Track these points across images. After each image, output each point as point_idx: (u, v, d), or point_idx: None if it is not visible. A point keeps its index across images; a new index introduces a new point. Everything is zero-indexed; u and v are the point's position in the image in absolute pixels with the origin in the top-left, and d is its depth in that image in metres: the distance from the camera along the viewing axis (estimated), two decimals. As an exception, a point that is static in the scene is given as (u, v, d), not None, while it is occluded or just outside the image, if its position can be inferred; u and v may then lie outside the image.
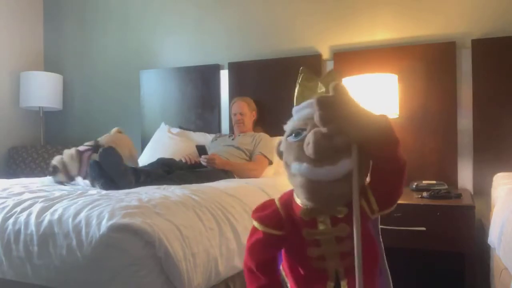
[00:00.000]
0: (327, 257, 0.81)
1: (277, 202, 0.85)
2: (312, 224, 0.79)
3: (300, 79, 0.88)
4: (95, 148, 2.08)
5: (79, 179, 2.07)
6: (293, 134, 0.77)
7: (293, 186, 0.79)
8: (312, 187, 0.73)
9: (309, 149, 0.70)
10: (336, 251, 0.80)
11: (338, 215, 0.77)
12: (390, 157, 0.70)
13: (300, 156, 0.73)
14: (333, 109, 0.65)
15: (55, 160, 2.06)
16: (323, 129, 0.66)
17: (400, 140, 0.71)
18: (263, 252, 0.87)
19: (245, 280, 0.90)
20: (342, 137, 0.68)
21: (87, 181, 2.08)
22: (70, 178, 2.07)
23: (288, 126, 0.81)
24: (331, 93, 0.65)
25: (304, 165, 0.72)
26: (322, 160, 0.69)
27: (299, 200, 0.80)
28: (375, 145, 0.68)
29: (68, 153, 2.08)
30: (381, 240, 0.88)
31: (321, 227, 0.78)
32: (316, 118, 0.66)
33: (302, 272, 0.86)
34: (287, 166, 0.78)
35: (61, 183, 2.05)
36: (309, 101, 0.79)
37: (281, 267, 0.92)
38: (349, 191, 0.71)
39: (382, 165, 0.71)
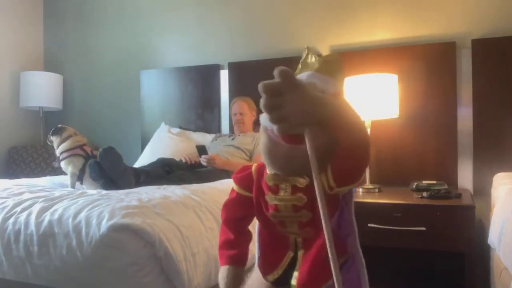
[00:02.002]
0: (287, 223, 0.85)
1: (253, 167, 0.90)
2: (275, 190, 0.83)
3: (303, 56, 0.89)
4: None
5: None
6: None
7: (260, 146, 0.82)
8: (270, 147, 0.77)
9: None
10: (294, 219, 0.83)
11: (298, 184, 0.80)
12: (344, 136, 0.69)
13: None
14: (280, 95, 0.64)
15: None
16: (269, 117, 0.66)
17: (359, 119, 0.71)
18: (233, 210, 0.93)
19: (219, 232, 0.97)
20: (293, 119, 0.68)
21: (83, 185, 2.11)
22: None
23: None
24: (276, 79, 0.64)
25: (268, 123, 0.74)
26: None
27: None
28: (333, 124, 0.68)
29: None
30: (354, 220, 0.88)
31: (281, 193, 0.82)
32: (262, 104, 0.65)
33: (267, 238, 0.91)
34: (262, 128, 0.80)
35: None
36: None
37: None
38: (306, 158, 0.71)
39: (340, 143, 0.71)
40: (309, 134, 0.67)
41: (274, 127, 0.67)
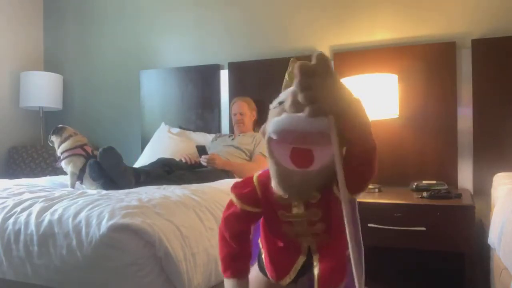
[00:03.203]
0: (300, 235, 0.85)
1: (255, 181, 0.87)
2: (287, 207, 0.82)
3: (289, 69, 0.90)
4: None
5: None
6: (276, 104, 0.79)
7: (270, 174, 0.80)
8: (282, 175, 0.75)
9: (287, 102, 0.71)
10: (308, 232, 0.84)
11: (311, 200, 0.80)
12: (360, 138, 0.70)
13: (279, 115, 0.74)
14: (313, 77, 0.65)
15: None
16: (300, 95, 0.66)
17: (370, 125, 0.71)
18: (237, 224, 0.91)
19: (218, 243, 0.96)
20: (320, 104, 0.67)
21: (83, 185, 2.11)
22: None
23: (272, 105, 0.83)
24: (313, 62, 0.65)
25: (283, 115, 0.71)
26: (300, 110, 0.68)
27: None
28: (348, 122, 0.68)
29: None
30: (359, 222, 0.89)
31: (294, 210, 0.82)
32: (296, 83, 0.66)
33: (276, 245, 0.90)
34: (267, 141, 0.75)
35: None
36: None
37: (258, 241, 0.96)
38: (318, 180, 0.73)
39: (353, 147, 0.72)
40: (333, 122, 0.67)
41: (306, 109, 0.65)
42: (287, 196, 0.80)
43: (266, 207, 0.86)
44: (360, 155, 0.71)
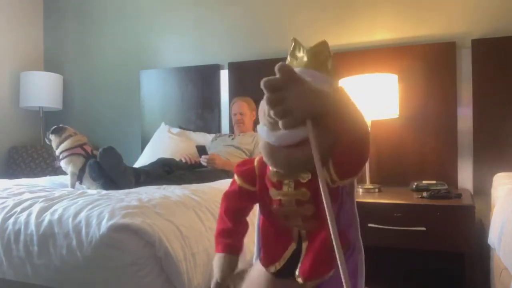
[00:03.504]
0: (290, 217, 0.86)
1: (256, 160, 0.92)
2: (278, 185, 0.84)
3: (291, 49, 0.92)
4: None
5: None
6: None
7: (260, 148, 0.85)
8: (270, 150, 0.80)
9: (264, 117, 0.78)
10: (297, 213, 0.85)
11: (301, 179, 0.82)
12: (349, 129, 0.71)
13: (263, 120, 0.81)
14: (280, 90, 0.67)
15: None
16: (271, 112, 0.69)
17: (359, 111, 0.72)
18: (234, 201, 0.95)
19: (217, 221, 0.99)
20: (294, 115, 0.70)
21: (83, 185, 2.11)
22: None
23: None
24: (277, 75, 0.67)
25: (264, 128, 0.80)
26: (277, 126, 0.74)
27: None
28: (334, 115, 0.70)
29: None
30: (356, 212, 0.89)
31: (284, 188, 0.84)
32: (265, 100, 0.68)
33: (270, 230, 0.92)
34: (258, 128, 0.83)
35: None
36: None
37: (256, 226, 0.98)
38: (305, 158, 0.75)
39: (341, 136, 0.72)
40: (310, 126, 0.69)
41: (280, 123, 0.68)
42: (277, 169, 0.83)
43: (261, 185, 0.89)
44: (354, 142, 0.72)
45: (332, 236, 0.68)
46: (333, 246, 0.68)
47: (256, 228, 0.97)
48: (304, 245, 0.87)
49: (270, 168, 0.85)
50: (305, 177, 0.81)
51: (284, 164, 0.80)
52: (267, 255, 0.92)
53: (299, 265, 0.86)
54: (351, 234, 0.90)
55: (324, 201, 0.69)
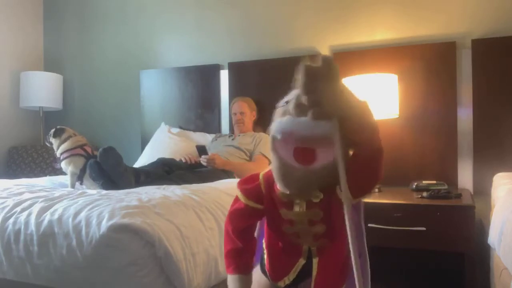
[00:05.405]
0: (301, 235, 0.85)
1: (261, 178, 0.88)
2: (289, 205, 0.82)
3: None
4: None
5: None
6: (283, 103, 0.79)
7: (272, 169, 0.81)
8: (286, 171, 0.76)
9: (291, 103, 0.71)
10: (309, 232, 0.83)
11: (314, 200, 0.80)
12: (365, 142, 0.70)
13: (284, 115, 0.75)
14: (317, 80, 0.65)
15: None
16: (304, 98, 0.67)
17: (377, 127, 0.71)
18: (241, 220, 0.92)
19: (224, 239, 0.96)
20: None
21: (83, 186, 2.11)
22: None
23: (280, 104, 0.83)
24: (318, 64, 0.65)
25: (287, 117, 0.73)
26: (303, 112, 0.69)
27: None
28: (353, 124, 0.68)
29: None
30: (363, 223, 0.89)
31: (296, 209, 0.82)
32: (300, 85, 0.66)
33: (278, 245, 0.90)
34: (271, 139, 0.76)
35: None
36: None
37: (263, 241, 0.97)
38: (320, 179, 0.73)
39: (358, 151, 0.71)
40: (337, 124, 0.67)
41: (309, 112, 0.66)
42: (288, 192, 0.80)
43: (269, 204, 0.86)
44: (366, 157, 0.71)
45: (352, 255, 0.67)
46: (346, 261, 0.67)
47: (263, 241, 0.96)
48: (315, 261, 0.86)
49: (279, 186, 0.82)
50: (318, 197, 0.79)
51: (300, 185, 0.78)
52: (275, 270, 0.91)
53: (313, 283, 0.85)
54: (358, 243, 0.89)
55: (346, 216, 0.67)
